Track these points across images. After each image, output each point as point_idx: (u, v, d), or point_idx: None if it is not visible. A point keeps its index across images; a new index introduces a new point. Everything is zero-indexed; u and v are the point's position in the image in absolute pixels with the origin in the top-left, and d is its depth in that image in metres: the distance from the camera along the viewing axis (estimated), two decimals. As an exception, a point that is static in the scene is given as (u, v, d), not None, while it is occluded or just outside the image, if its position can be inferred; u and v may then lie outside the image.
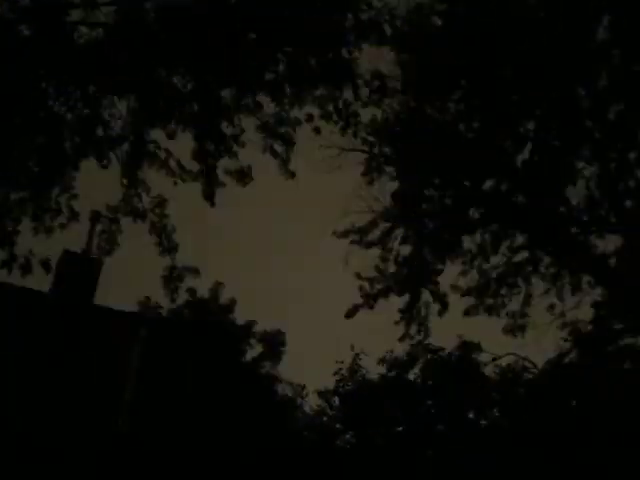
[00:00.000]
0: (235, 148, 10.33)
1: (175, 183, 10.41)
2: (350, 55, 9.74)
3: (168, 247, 10.64)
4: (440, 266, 14.33)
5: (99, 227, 10.79)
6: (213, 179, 10.36)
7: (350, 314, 14.91)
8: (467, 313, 14.75)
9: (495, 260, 14.48)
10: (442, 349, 16.67)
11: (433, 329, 15.18)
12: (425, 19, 12.25)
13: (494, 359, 16.23)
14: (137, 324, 13.19)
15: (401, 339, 15.06)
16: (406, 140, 13.28)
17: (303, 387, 18.88)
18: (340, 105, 10.11)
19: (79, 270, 12.62)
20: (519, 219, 13.75)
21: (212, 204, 10.47)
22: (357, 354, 17.61)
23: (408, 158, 13.53)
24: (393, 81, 12.37)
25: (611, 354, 14.31)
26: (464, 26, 11.92)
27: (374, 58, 10.92)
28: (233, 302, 20.64)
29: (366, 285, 14.81)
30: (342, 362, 17.61)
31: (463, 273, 14.51)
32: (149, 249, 10.67)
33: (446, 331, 16.40)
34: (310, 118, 10.23)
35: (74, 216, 10.05)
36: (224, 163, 10.42)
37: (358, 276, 14.84)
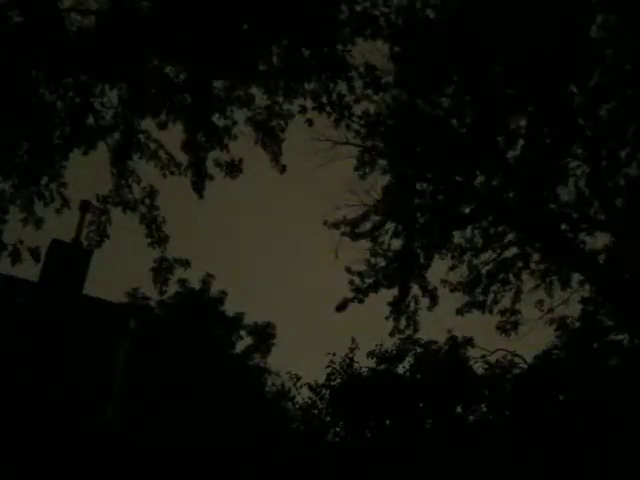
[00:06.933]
0: (226, 140, 10.28)
1: (164, 175, 10.36)
2: (344, 47, 9.69)
3: (158, 238, 10.59)
4: (429, 260, 14.36)
5: (89, 217, 10.70)
6: (203, 171, 10.31)
7: (340, 308, 14.93)
8: (459, 312, 14.79)
9: (485, 256, 14.57)
10: (433, 342, 16.75)
11: (424, 324, 15.24)
12: (419, 13, 12.22)
13: (483, 356, 16.33)
14: (126, 315, 13.16)
15: (391, 333, 15.10)
16: (399, 134, 13.27)
17: (299, 378, 18.82)
18: (334, 97, 10.06)
19: (68, 260, 12.57)
20: (510, 215, 13.80)
21: (200, 196, 10.44)
22: (350, 347, 17.70)
23: (400, 152, 13.53)
24: (386, 75, 12.35)
25: (598, 350, 14.43)
26: (458, 21, 11.90)
27: (368, 51, 10.89)
28: (223, 294, 20.63)
29: (356, 279, 14.85)
30: (333, 355, 17.68)
31: (453, 268, 14.58)
32: (139, 240, 10.63)
33: (436, 325, 16.47)
34: (303, 110, 10.18)
35: (65, 204, 9.99)
36: (215, 155, 10.39)
37: (348, 270, 14.87)
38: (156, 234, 10.56)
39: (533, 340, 15.01)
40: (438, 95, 13.11)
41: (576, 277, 14.32)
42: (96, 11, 8.99)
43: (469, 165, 13.46)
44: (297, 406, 18.45)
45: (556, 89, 12.47)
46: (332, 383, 17.47)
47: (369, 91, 10.64)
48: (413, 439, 16.19)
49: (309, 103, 9.90)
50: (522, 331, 14.76)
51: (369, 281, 14.75)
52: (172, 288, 18.05)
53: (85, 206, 11.17)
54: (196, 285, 20.33)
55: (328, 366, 17.47)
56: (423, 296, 14.71)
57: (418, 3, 12.19)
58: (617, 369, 14.30)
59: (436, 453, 15.24)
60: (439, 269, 14.69)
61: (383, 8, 9.87)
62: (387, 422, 17.06)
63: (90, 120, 9.68)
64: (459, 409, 16.83)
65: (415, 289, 14.74)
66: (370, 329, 18.03)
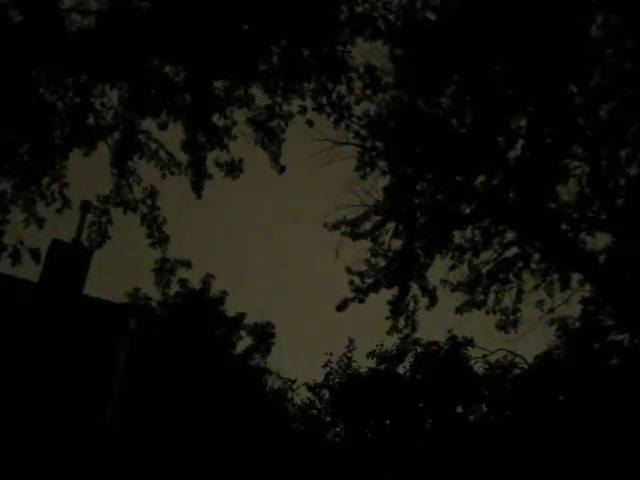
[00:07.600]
0: (226, 140, 10.29)
1: (164, 175, 10.37)
2: (344, 48, 9.69)
3: (159, 239, 10.60)
4: (428, 260, 14.37)
5: (89, 217, 10.71)
6: (202, 171, 10.32)
7: (341, 307, 14.94)
8: (459, 311, 14.80)
9: (485, 256, 14.58)
10: (434, 342, 16.76)
11: (424, 323, 15.26)
12: (419, 14, 12.23)
13: (484, 355, 16.34)
14: (126, 315, 13.15)
15: (389, 332, 15.12)
16: (399, 134, 13.27)
17: (294, 381, 18.92)
18: (333, 98, 10.05)
19: (68, 260, 12.57)
20: (510, 215, 13.80)
21: (199, 196, 10.44)
22: (347, 347, 17.75)
23: (400, 152, 13.53)
24: (386, 75, 12.36)
25: (598, 350, 14.43)
26: (458, 21, 11.91)
27: (368, 52, 10.90)
28: (224, 294, 20.62)
29: (356, 279, 14.86)
30: (331, 355, 17.71)
31: (453, 268, 14.59)
32: (140, 240, 10.64)
33: (437, 325, 16.48)
34: (303, 110, 10.17)
35: (66, 204, 10.00)
36: (215, 155, 10.39)
37: (348, 270, 14.89)
38: (157, 234, 10.58)
39: (533, 340, 15.05)
40: (438, 95, 13.11)
41: (576, 277, 14.34)
42: (96, 11, 8.99)
43: (469, 165, 13.46)
44: (296, 407, 18.50)
45: (556, 89, 12.47)
46: (331, 383, 17.51)
47: (369, 91, 10.63)
48: (413, 439, 16.19)
49: (309, 103, 9.90)
50: (522, 331, 14.80)
51: (369, 281, 14.77)
52: (173, 288, 18.04)
53: (86, 206, 11.18)
54: (196, 285, 20.34)
55: (325, 365, 17.53)
56: (423, 296, 14.74)
57: (418, 4, 12.21)
58: (617, 369, 14.30)
59: (436, 453, 15.24)
60: (439, 269, 14.72)
61: (382, 10, 9.86)
62: (387, 422, 17.06)
63: (90, 120, 9.69)
64: (459, 409, 16.84)
65: (415, 289, 14.78)
66: (370, 329, 18.07)
